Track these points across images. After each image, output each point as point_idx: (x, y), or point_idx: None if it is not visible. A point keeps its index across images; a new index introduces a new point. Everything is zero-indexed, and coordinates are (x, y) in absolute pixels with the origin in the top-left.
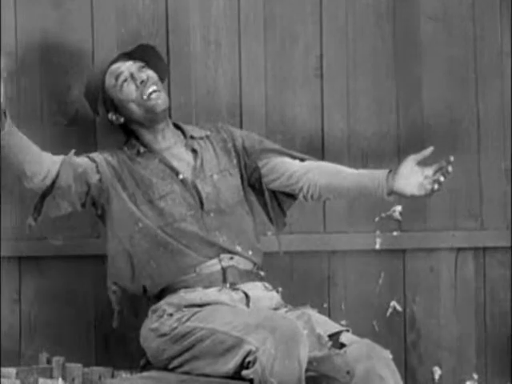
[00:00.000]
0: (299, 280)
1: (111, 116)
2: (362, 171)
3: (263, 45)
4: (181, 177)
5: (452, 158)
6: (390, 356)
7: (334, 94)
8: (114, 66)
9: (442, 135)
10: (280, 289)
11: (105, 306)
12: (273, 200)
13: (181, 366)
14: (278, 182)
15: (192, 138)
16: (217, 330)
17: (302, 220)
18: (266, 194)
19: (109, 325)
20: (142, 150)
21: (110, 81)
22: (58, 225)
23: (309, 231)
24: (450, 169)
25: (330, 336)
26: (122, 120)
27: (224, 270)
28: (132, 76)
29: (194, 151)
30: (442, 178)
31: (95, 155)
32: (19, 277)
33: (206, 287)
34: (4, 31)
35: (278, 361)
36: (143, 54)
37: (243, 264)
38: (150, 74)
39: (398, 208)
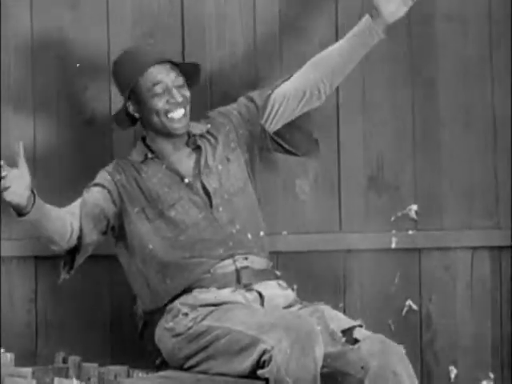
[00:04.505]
0: (315, 279)
1: (129, 105)
2: (346, 37)
3: (278, 44)
4: (186, 181)
5: None
6: (404, 351)
7: (349, 94)
8: (156, 71)
9: (458, 135)
10: (295, 286)
11: (120, 306)
12: (292, 132)
13: (196, 365)
14: (288, 111)
15: (194, 135)
16: (232, 329)
17: (318, 219)
18: (277, 138)
19: (124, 324)
20: (149, 155)
21: (146, 82)
22: None
23: (324, 230)
24: None
25: (344, 331)
26: (137, 115)
27: (238, 271)
28: (169, 91)
29: (198, 148)
30: None
31: (104, 178)
32: (35, 276)
33: (219, 288)
34: (20, 31)
35: (294, 360)
36: (189, 70)
37: (258, 263)
38: (186, 94)
39: (414, 207)
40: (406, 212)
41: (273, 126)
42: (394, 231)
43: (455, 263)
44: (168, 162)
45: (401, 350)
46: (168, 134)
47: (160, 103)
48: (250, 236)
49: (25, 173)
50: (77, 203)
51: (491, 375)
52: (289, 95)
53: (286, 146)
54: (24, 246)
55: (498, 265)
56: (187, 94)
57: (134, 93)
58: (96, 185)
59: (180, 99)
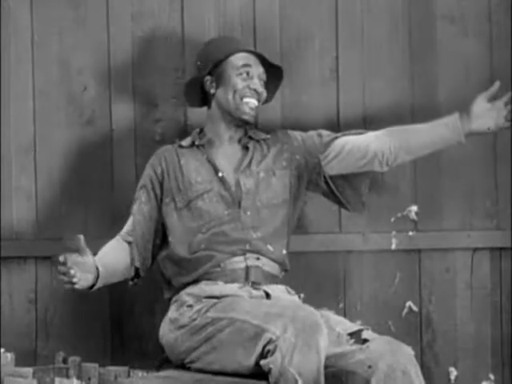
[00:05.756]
0: (315, 280)
1: (207, 80)
2: (430, 123)
3: (279, 46)
4: (220, 175)
5: None
6: (413, 352)
7: (350, 96)
8: (248, 56)
9: None
10: (302, 295)
11: (121, 306)
12: (344, 185)
13: (199, 359)
14: (347, 161)
15: (250, 138)
16: (237, 319)
17: (318, 220)
18: (331, 183)
19: (124, 324)
20: (197, 142)
21: (236, 61)
22: (73, 225)
23: (325, 231)
24: None
25: (351, 334)
26: (213, 91)
27: (248, 269)
28: (252, 78)
29: (246, 148)
30: None
31: (147, 177)
32: (35, 277)
33: (227, 282)
34: (20, 31)
35: (298, 350)
36: (272, 72)
37: (269, 267)
38: (264, 92)
39: (414, 208)
40: (406, 213)
41: (328, 168)
42: (394, 232)
43: (455, 264)
44: (210, 153)
45: (410, 351)
46: (233, 119)
47: (241, 84)
48: (270, 247)
49: (88, 260)
50: (130, 227)
51: (491, 376)
52: (351, 147)
53: (337, 194)
54: (24, 246)
55: (498, 266)
56: (264, 93)
57: (218, 68)
58: (140, 189)
59: (260, 89)
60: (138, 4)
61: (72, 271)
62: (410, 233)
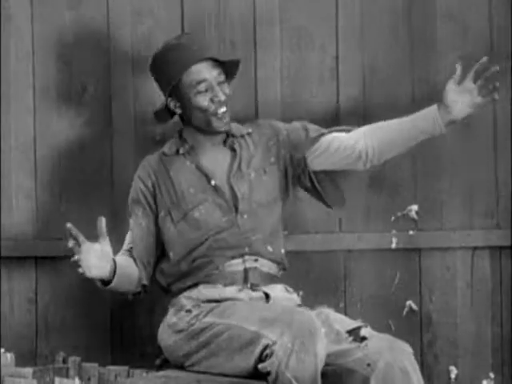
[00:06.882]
0: (315, 280)
1: (170, 102)
2: (410, 117)
3: (279, 45)
4: (213, 183)
5: (484, 59)
6: (411, 350)
7: (350, 96)
8: (199, 68)
9: (458, 134)
10: (301, 292)
11: (121, 306)
12: (325, 180)
13: (198, 363)
14: (333, 159)
15: (233, 136)
16: (233, 325)
17: (318, 220)
18: (314, 178)
19: (124, 324)
20: (181, 150)
21: (189, 80)
22: (73, 225)
23: (324, 231)
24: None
25: (350, 332)
26: (179, 111)
27: (246, 271)
28: (212, 89)
29: (233, 150)
30: (494, 85)
31: (139, 191)
32: (36, 277)
33: (226, 285)
34: (20, 31)
35: (295, 355)
36: (229, 65)
37: (268, 267)
38: (227, 92)
39: (414, 207)
40: (406, 212)
41: (313, 164)
42: (394, 231)
43: (455, 263)
44: (198, 161)
45: (408, 348)
46: (208, 131)
47: (205, 102)
48: (269, 248)
49: (105, 248)
50: (131, 244)
51: (491, 375)
52: (339, 145)
53: (319, 189)
54: (24, 246)
55: (498, 265)
56: (228, 90)
57: (176, 89)
58: (134, 203)
59: (223, 98)
60: (138, 3)
61: (71, 243)
62: (411, 232)
